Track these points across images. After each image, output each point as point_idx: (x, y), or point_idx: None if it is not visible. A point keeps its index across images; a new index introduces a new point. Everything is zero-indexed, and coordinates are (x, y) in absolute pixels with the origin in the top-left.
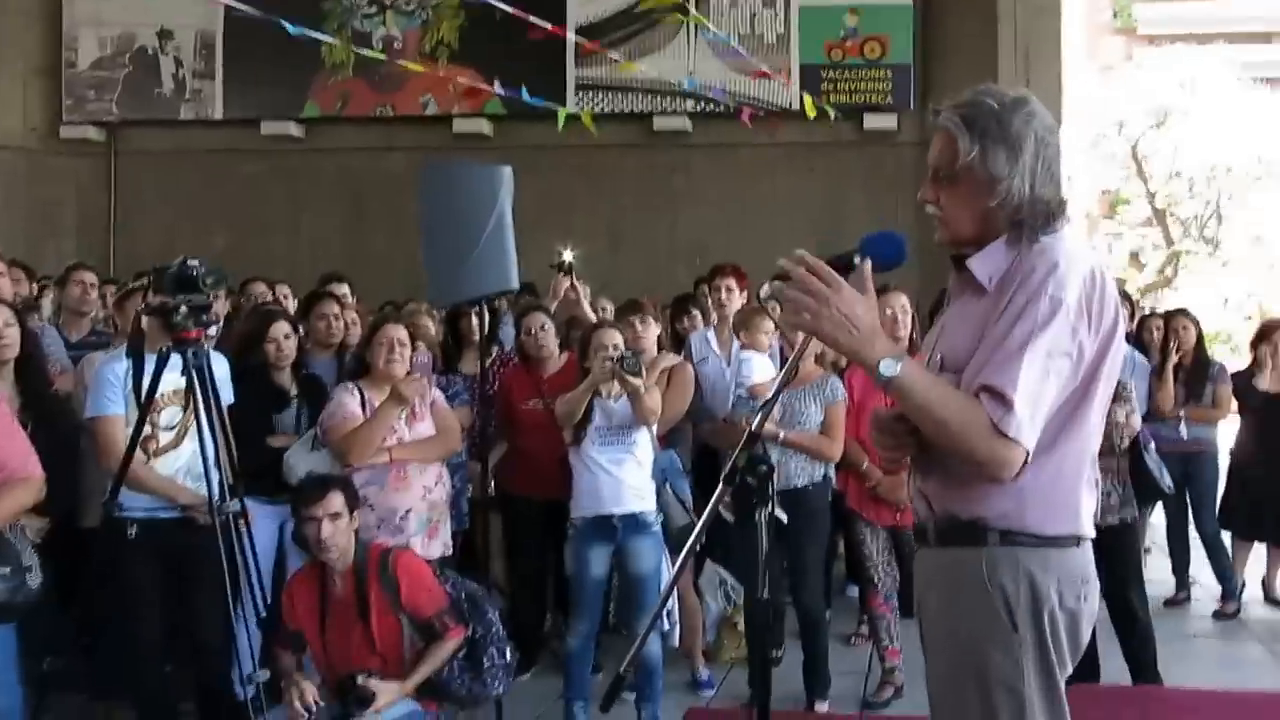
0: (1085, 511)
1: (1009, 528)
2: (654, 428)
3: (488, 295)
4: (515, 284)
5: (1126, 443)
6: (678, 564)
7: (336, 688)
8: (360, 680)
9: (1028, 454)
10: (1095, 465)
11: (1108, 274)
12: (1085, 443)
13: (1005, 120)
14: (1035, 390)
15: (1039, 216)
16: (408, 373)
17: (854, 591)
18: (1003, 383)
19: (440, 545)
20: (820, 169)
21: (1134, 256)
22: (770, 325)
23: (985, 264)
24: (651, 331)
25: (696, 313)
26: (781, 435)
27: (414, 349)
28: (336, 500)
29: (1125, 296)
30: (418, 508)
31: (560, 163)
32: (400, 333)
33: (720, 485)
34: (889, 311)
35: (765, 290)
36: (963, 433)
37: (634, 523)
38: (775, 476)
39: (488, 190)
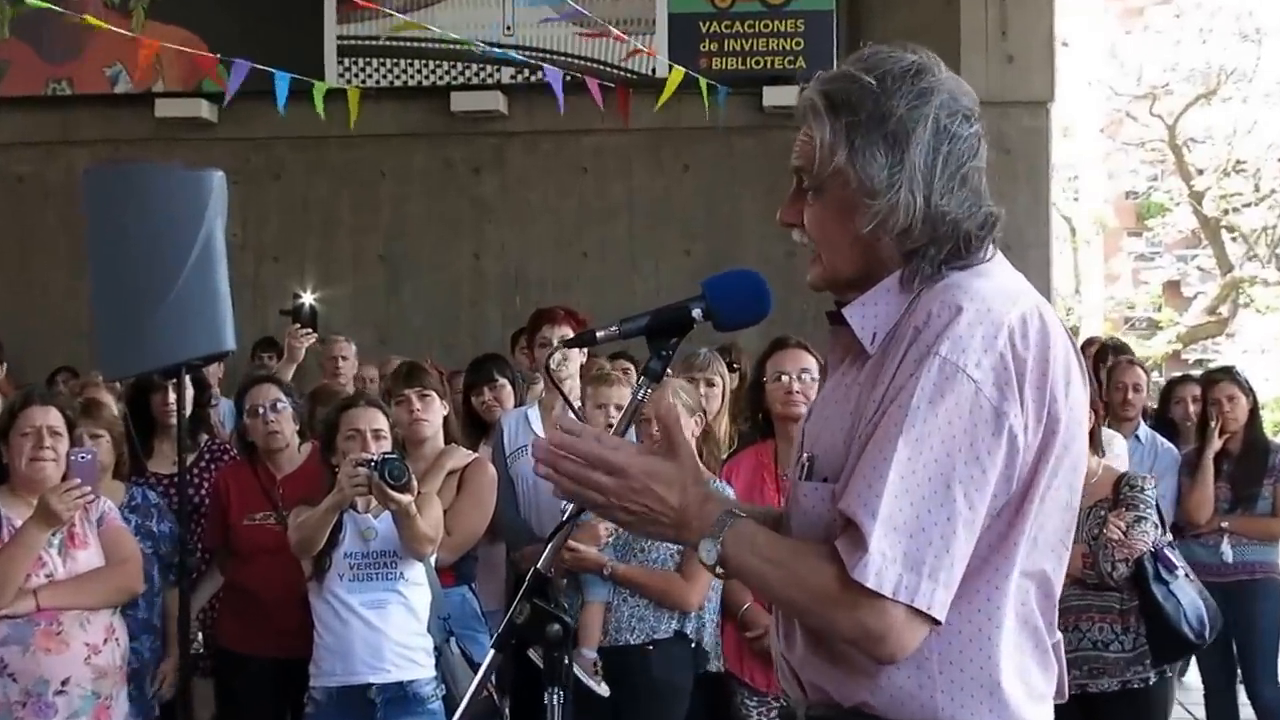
0: (1031, 692)
1: (913, 719)
2: (434, 557)
3: (189, 361)
4: (229, 343)
5: (1121, 570)
6: None
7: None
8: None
9: (927, 615)
10: (1049, 612)
11: (1053, 319)
12: (1023, 583)
13: (884, 101)
14: (914, 513)
15: (943, 243)
16: (64, 476)
17: None
18: (856, 507)
19: None
20: (698, 165)
21: (1172, 288)
22: (623, 392)
23: (866, 314)
24: (434, 411)
25: (504, 382)
26: (609, 568)
27: (77, 440)
28: None
29: (1116, 350)
30: (79, 676)
31: (316, 161)
32: (50, 417)
33: (489, 654)
34: (783, 379)
35: (555, 358)
36: (814, 607)
37: (401, 697)
38: (574, 638)
39: (188, 206)
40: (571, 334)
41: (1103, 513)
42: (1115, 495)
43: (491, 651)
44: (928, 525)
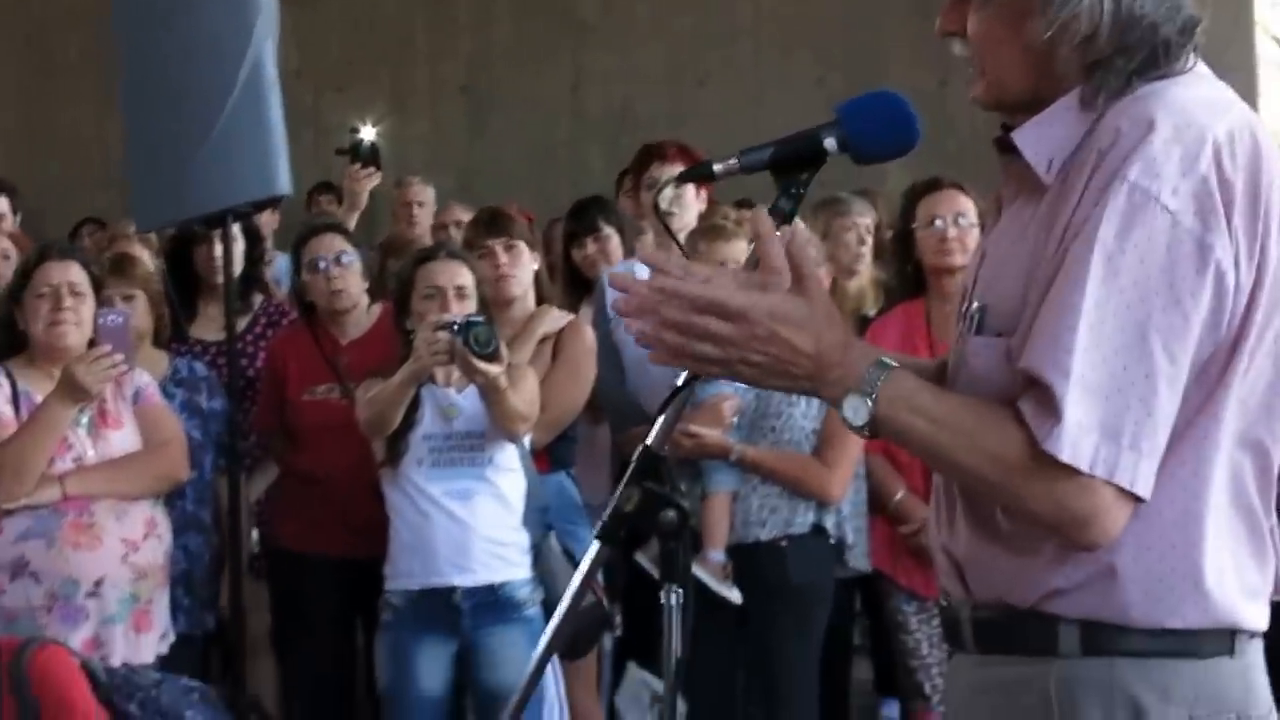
0: (1244, 586)
1: (1098, 618)
2: (528, 439)
3: (238, 208)
4: (284, 186)
5: None
6: (536, 658)
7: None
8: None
9: (1131, 493)
10: (1267, 490)
11: (1266, 139)
12: (1235, 454)
13: None
14: (1108, 370)
15: (1135, 52)
16: (91, 343)
17: (892, 711)
18: (1043, 364)
19: (154, 642)
20: None
21: None
22: (740, 248)
23: (1041, 138)
24: (524, 265)
25: (611, 231)
26: (737, 451)
27: (106, 301)
28: None
29: None
30: (114, 576)
31: None
32: (72, 274)
33: (592, 546)
34: (936, 224)
35: (666, 194)
36: (1002, 479)
37: (493, 602)
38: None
39: (231, 26)
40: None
41: None
42: None
43: (596, 544)
44: (1124, 385)
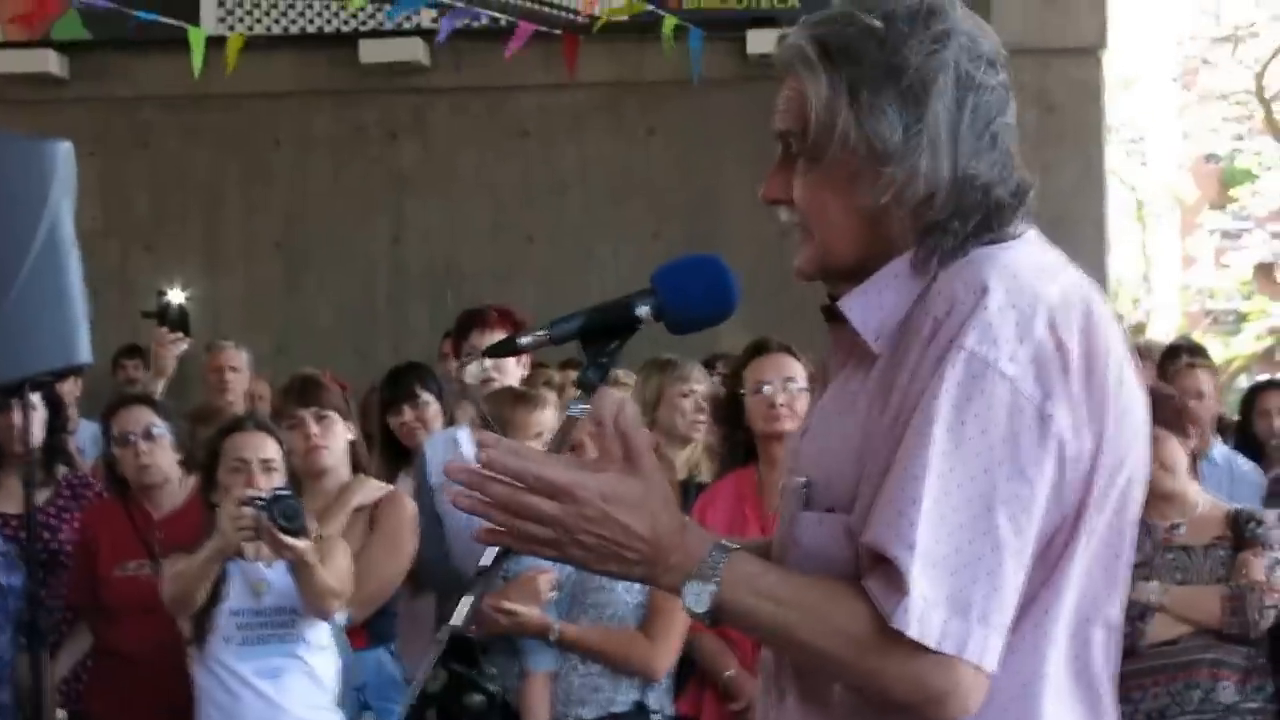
0: None
1: None
2: (342, 615)
3: (36, 376)
4: (84, 354)
5: (1269, 619)
6: None
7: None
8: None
9: (976, 669)
10: (1110, 665)
11: (1100, 304)
12: (1080, 628)
13: (893, 46)
14: (954, 545)
15: (970, 214)
16: None
17: None
18: (887, 540)
19: None
20: (668, 127)
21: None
22: (548, 416)
23: (869, 305)
24: (336, 435)
25: (429, 398)
26: (556, 631)
27: None
28: None
29: (1188, 351)
30: None
31: (193, 125)
32: None
33: None
34: (764, 390)
35: (471, 371)
36: (856, 660)
37: None
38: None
39: (26, 187)
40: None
41: (1221, 553)
42: (1236, 534)
43: None
44: (971, 559)
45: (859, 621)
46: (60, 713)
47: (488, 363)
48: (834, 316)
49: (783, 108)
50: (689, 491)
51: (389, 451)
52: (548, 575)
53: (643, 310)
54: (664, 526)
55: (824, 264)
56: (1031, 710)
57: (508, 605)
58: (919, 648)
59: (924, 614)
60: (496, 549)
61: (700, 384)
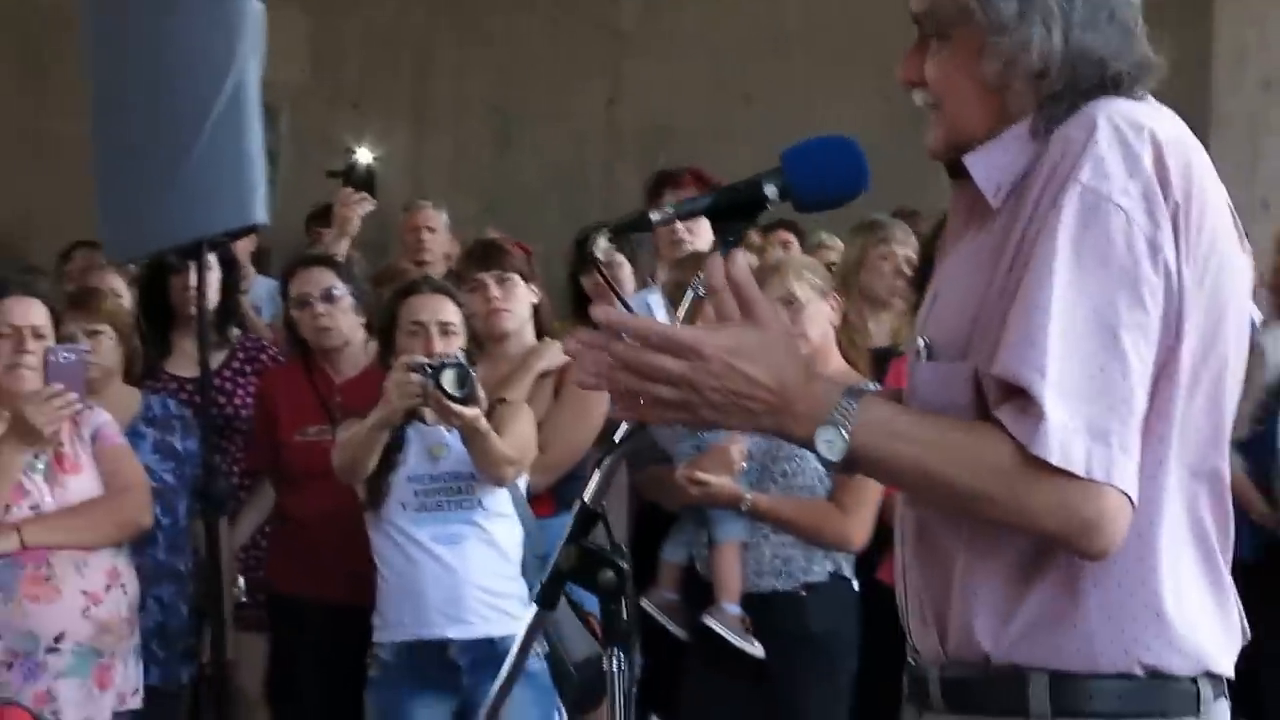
0: (1205, 615)
1: (1067, 669)
2: (523, 481)
3: (215, 238)
4: (259, 214)
5: None
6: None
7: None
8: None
9: (1125, 495)
10: (1224, 521)
11: (1202, 159)
12: (1189, 481)
13: None
14: (1085, 372)
15: (1084, 85)
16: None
17: None
18: (1018, 367)
19: (114, 697)
20: None
21: None
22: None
23: (992, 163)
24: (518, 299)
25: (621, 259)
26: (748, 501)
27: (68, 338)
28: None
29: None
30: (75, 631)
31: None
32: (31, 309)
33: (531, 611)
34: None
35: (599, 245)
36: (1002, 492)
37: (491, 657)
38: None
39: (213, 42)
40: None
41: None
42: None
43: (534, 609)
44: (1105, 387)
45: (1002, 454)
46: (239, 580)
47: (679, 225)
48: (957, 174)
49: None
50: (884, 360)
51: (582, 313)
52: (739, 445)
53: (770, 189)
54: (789, 376)
55: (953, 140)
56: (1150, 562)
57: (700, 475)
58: (1066, 476)
59: (1065, 441)
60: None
61: (904, 246)
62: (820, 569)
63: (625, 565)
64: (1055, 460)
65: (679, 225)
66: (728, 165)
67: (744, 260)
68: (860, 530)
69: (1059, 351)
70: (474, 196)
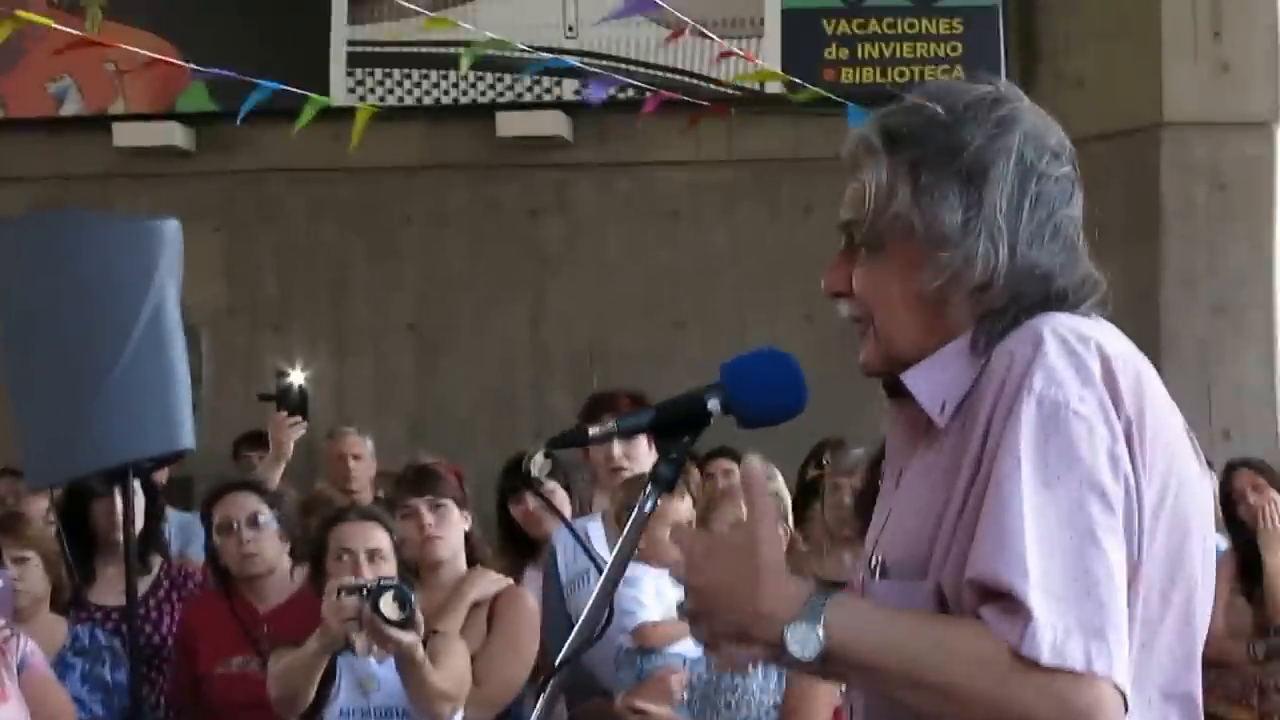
0: None
1: None
2: (460, 708)
3: (137, 463)
4: (185, 439)
5: None
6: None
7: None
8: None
9: (1120, 693)
10: None
11: (1152, 375)
12: (1161, 705)
13: (956, 131)
14: (1069, 576)
15: (1028, 303)
16: None
17: None
18: (999, 570)
19: None
20: (825, 205)
21: None
22: (685, 506)
23: (933, 380)
24: (452, 526)
25: (552, 486)
26: None
27: None
28: None
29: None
30: None
31: (321, 198)
32: None
33: None
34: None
35: (536, 462)
36: (993, 687)
37: None
38: None
39: (131, 267)
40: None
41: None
42: None
43: None
44: (1089, 587)
45: (989, 648)
46: None
47: (616, 449)
48: (896, 393)
49: (847, 199)
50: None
51: (511, 543)
52: (680, 675)
53: (713, 404)
54: (755, 565)
55: (888, 356)
56: None
57: (640, 704)
58: (1057, 671)
59: (1057, 640)
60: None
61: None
62: None
63: None
64: (1046, 660)
65: (616, 451)
66: (664, 389)
67: (757, 466)
68: None
69: (1039, 553)
70: (399, 419)
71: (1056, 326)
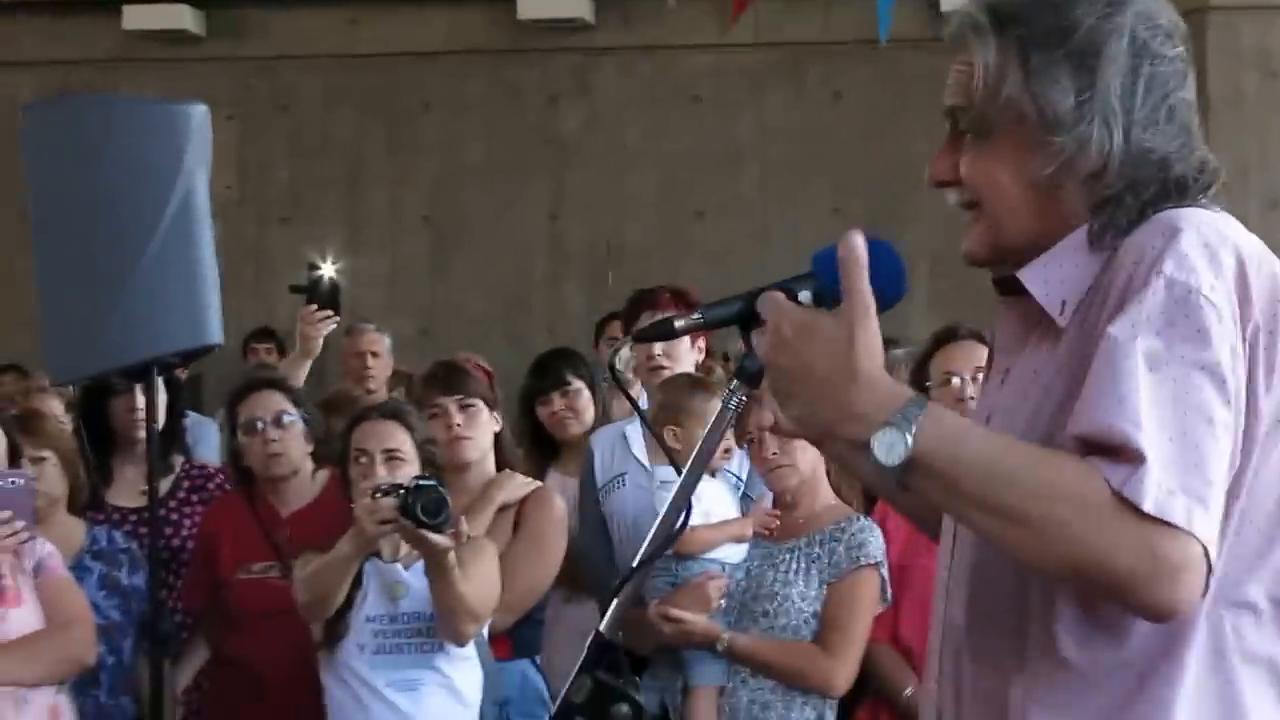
0: None
1: None
2: (485, 624)
3: (162, 358)
4: (214, 334)
5: None
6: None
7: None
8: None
9: (1206, 553)
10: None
11: None
12: (1231, 614)
13: (1066, 10)
14: (1182, 439)
15: (1145, 188)
16: None
17: None
18: (1109, 418)
19: None
20: (854, 92)
21: None
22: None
23: (1051, 277)
24: (481, 426)
25: (580, 385)
26: (725, 641)
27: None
28: None
29: None
30: None
31: (337, 88)
32: None
33: None
34: (953, 383)
35: (622, 356)
36: (1081, 525)
37: None
38: None
39: (159, 152)
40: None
41: None
42: None
43: None
44: (1199, 461)
45: (1085, 482)
46: None
47: (657, 348)
48: (1009, 290)
49: (952, 83)
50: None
51: (536, 444)
52: (719, 580)
53: (804, 294)
54: (845, 366)
55: (996, 243)
56: (1158, 699)
57: (675, 612)
58: (1153, 520)
59: (1161, 496)
60: (655, 541)
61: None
62: (800, 717)
63: (641, 700)
64: (1148, 507)
65: (657, 350)
66: (679, 282)
67: (862, 244)
68: (845, 674)
69: (1154, 419)
70: (411, 317)
71: (1193, 218)
